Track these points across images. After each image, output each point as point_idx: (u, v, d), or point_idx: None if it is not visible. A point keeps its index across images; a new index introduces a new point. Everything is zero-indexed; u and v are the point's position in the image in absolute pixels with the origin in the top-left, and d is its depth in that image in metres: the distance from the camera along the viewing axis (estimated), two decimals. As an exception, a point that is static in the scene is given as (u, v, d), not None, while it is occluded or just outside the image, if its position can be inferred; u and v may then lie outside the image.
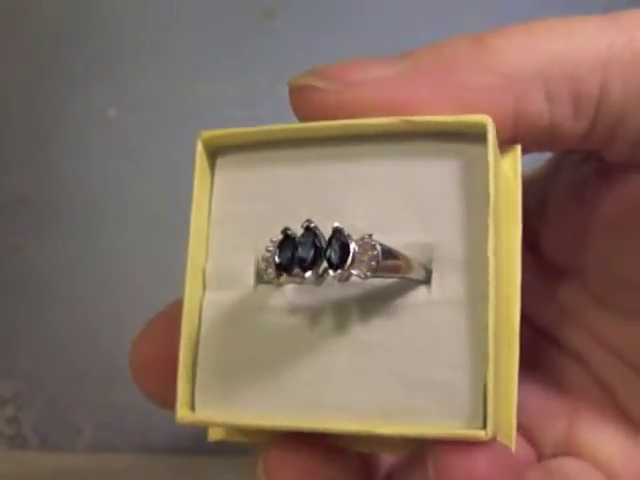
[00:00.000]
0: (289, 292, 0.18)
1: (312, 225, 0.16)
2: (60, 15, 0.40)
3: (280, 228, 0.16)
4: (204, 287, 0.18)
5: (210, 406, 0.17)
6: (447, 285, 0.17)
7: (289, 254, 0.16)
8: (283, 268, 0.16)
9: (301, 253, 0.16)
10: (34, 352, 0.35)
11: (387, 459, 0.21)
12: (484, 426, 0.16)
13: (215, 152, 0.19)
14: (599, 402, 0.21)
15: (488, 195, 0.16)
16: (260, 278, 0.18)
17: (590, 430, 0.21)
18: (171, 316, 0.19)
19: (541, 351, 0.23)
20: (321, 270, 0.15)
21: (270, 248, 0.16)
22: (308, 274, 0.15)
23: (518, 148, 0.18)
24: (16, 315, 0.36)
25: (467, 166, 0.17)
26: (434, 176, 0.17)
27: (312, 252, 0.15)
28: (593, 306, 0.21)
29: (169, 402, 0.18)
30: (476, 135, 0.17)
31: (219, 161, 0.19)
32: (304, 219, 0.16)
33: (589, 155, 0.20)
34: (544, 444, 0.22)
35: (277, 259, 0.16)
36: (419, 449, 0.17)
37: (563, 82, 0.17)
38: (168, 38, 0.39)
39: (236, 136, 0.18)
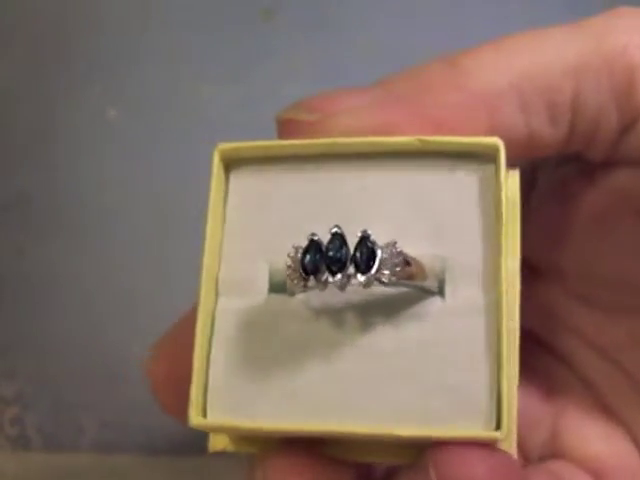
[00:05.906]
0: (304, 300, 0.18)
1: (339, 231, 0.16)
2: (61, 15, 0.40)
3: (295, 240, 0.17)
4: (217, 294, 0.18)
5: (223, 412, 0.17)
6: (460, 294, 0.18)
7: (315, 258, 0.16)
8: (310, 272, 0.16)
9: (329, 257, 0.16)
10: (37, 353, 0.35)
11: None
12: (497, 428, 0.16)
13: (230, 163, 0.19)
14: (583, 401, 0.22)
15: (499, 211, 0.17)
16: (276, 287, 0.18)
17: (575, 430, 0.21)
18: (183, 330, 0.19)
19: (522, 352, 0.23)
20: (348, 275, 0.16)
21: (292, 254, 0.16)
22: (337, 277, 0.16)
23: (517, 173, 0.19)
24: (18, 316, 0.36)
25: (478, 183, 0.18)
26: (446, 192, 0.18)
27: (339, 256, 0.16)
28: (575, 305, 0.22)
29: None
30: (488, 155, 0.18)
31: (234, 172, 0.19)
32: (319, 230, 0.17)
33: (568, 156, 0.20)
34: (530, 448, 0.22)
35: (306, 262, 0.16)
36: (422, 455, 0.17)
37: (535, 92, 0.18)
38: (167, 38, 0.39)
39: (253, 149, 0.19)
